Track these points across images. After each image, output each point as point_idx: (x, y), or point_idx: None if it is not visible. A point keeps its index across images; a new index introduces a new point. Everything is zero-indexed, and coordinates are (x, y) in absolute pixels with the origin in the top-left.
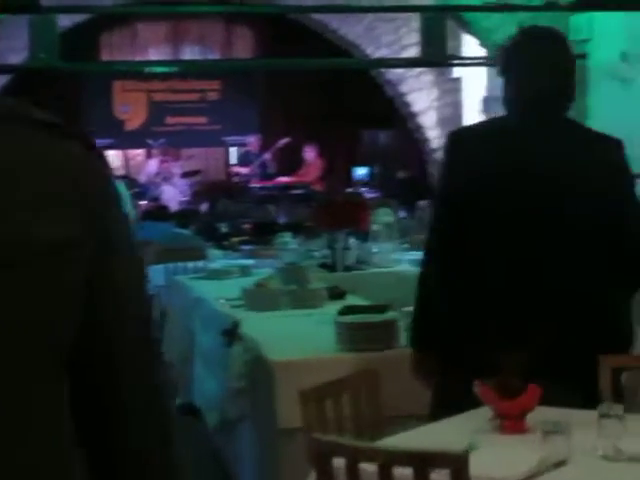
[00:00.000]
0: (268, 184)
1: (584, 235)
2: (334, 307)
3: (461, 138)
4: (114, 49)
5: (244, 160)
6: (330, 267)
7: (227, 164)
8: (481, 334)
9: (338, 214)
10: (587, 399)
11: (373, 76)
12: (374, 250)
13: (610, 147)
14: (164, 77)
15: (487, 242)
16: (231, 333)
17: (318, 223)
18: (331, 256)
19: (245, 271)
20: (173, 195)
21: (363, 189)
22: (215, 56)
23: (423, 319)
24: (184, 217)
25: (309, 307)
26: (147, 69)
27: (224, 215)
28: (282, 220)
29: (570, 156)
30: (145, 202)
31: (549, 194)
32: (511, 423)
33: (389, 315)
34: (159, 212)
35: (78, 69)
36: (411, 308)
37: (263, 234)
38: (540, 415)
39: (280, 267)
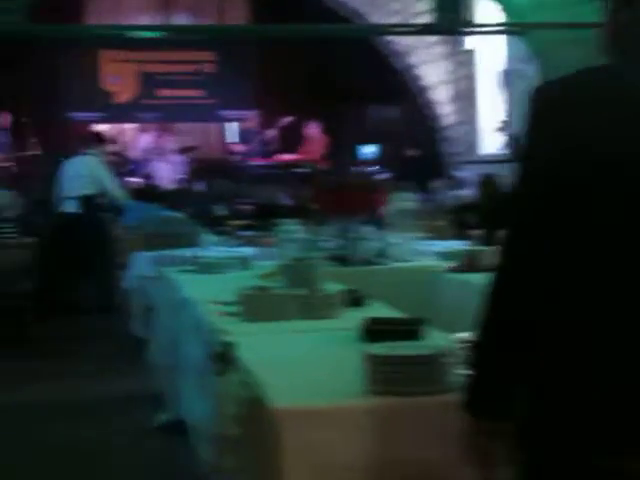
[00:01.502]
0: (268, 162)
1: None
2: (352, 318)
3: (558, 98)
4: (101, 17)
5: (243, 137)
6: (342, 260)
7: (223, 141)
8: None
9: (349, 199)
10: None
11: (379, 48)
12: (392, 241)
13: None
14: (155, 47)
15: (617, 257)
16: (222, 358)
17: (325, 209)
18: (345, 247)
19: (244, 263)
20: (167, 173)
21: (371, 169)
22: None
23: (498, 367)
24: (176, 198)
25: (321, 317)
26: (130, 34)
27: (220, 196)
28: (285, 202)
29: None
30: (136, 180)
31: None
32: None
33: (437, 346)
34: (149, 192)
35: (48, 33)
36: (465, 334)
37: (265, 218)
38: None
39: (284, 264)
